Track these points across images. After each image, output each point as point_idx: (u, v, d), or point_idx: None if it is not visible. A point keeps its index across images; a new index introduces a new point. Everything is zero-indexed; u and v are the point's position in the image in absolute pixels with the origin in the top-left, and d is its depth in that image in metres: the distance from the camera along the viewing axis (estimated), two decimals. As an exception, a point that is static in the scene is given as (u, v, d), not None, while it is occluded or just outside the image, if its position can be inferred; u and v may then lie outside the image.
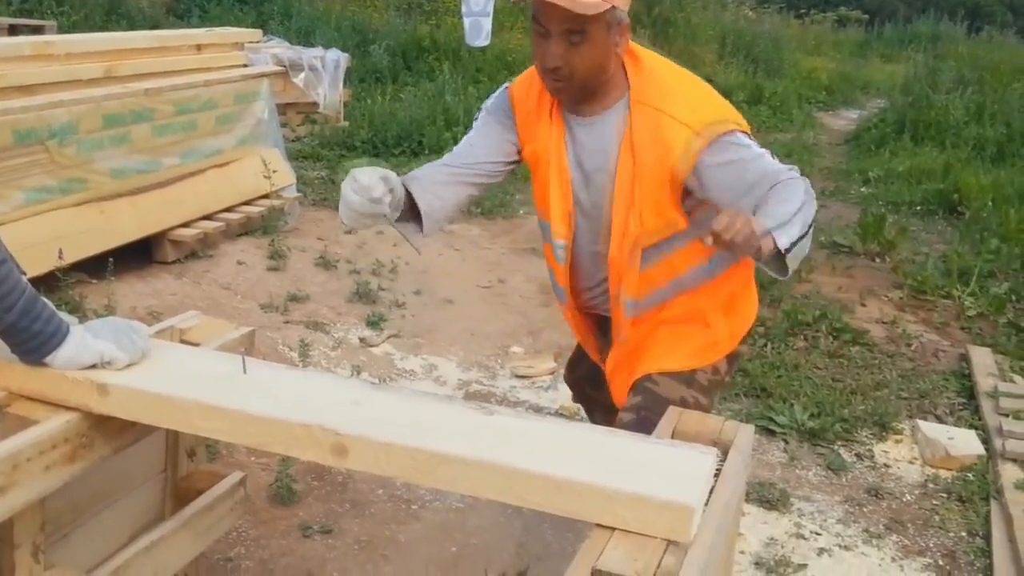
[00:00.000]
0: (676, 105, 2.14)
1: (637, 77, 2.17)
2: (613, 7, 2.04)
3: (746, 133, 2.18)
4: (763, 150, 2.17)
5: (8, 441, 1.61)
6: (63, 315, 1.73)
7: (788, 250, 1.92)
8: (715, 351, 2.39)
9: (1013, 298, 5.45)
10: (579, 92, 2.16)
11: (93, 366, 1.71)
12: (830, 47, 18.58)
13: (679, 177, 2.14)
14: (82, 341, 1.70)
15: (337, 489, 3.29)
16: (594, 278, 2.40)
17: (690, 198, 2.20)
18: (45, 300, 1.68)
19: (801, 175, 2.12)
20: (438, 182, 2.26)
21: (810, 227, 1.99)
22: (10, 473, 1.57)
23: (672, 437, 1.75)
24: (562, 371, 3.13)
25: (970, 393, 4.38)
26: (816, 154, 9.84)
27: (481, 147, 2.33)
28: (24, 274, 1.69)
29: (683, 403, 2.27)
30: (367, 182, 1.99)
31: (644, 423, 2.21)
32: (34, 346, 1.66)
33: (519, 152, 2.35)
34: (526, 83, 2.32)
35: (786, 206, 1.98)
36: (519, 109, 2.32)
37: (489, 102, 2.39)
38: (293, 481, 3.21)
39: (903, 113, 10.28)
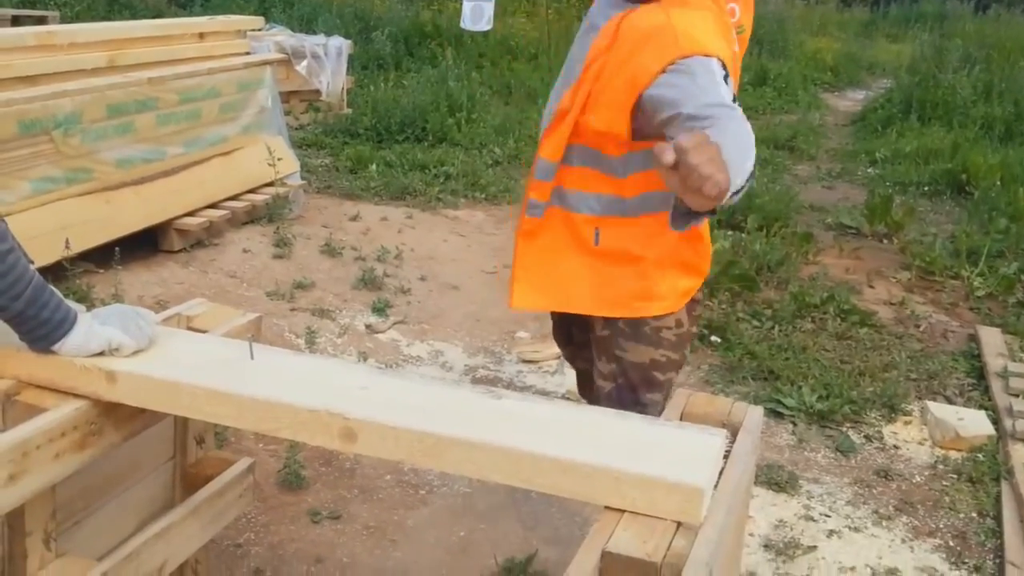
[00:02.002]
0: (682, 15, 2.07)
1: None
2: None
3: (724, 68, 2.01)
4: (729, 88, 1.98)
5: (18, 429, 1.61)
6: (71, 303, 1.73)
7: (730, 198, 1.68)
8: (656, 304, 2.29)
9: (1022, 278, 5.43)
10: None
11: (101, 353, 1.72)
12: (835, 27, 18.45)
13: (640, 81, 2.02)
14: (90, 328, 1.70)
15: (345, 475, 3.30)
16: (547, 113, 2.37)
17: (640, 115, 2.06)
18: (53, 288, 1.68)
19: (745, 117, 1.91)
20: None
21: (749, 181, 1.77)
22: (20, 461, 1.57)
23: (681, 419, 1.75)
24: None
25: (979, 374, 4.37)
26: (822, 135, 9.80)
27: None
28: (32, 263, 1.69)
29: (655, 365, 2.30)
30: None
31: (622, 390, 2.26)
32: (43, 334, 1.66)
33: None
34: None
35: (737, 149, 1.69)
36: None
37: None
38: (301, 467, 3.22)
39: (910, 93, 10.21)
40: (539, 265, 2.35)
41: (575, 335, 2.60)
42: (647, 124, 2.06)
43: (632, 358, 2.31)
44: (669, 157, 1.51)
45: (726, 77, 2.00)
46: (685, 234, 2.16)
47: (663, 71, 1.99)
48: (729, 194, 1.63)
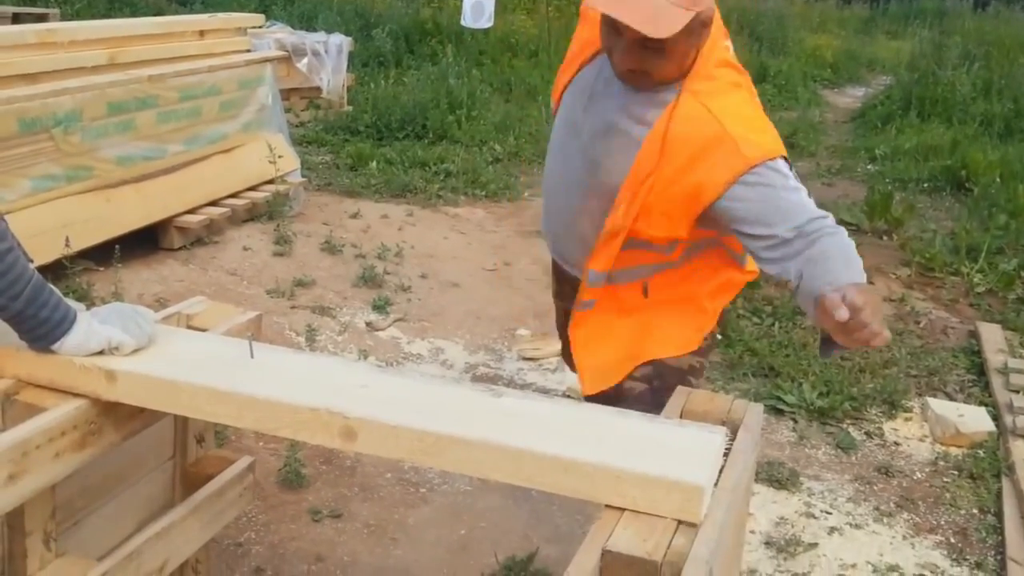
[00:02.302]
0: (728, 112, 1.96)
1: (699, 67, 2.00)
2: (697, 14, 1.86)
3: (788, 161, 2.02)
4: (800, 184, 2.00)
5: (17, 429, 1.61)
6: (70, 302, 1.73)
7: None
8: (708, 326, 2.34)
9: (1022, 274, 5.43)
10: (652, 86, 2.00)
11: (101, 352, 1.71)
12: (835, 24, 18.43)
13: (706, 195, 1.96)
14: (89, 327, 1.70)
15: (346, 473, 3.30)
16: (565, 207, 2.26)
17: (705, 217, 2.02)
18: (52, 287, 1.68)
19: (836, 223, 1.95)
20: None
21: None
22: (20, 461, 1.57)
23: (681, 416, 1.74)
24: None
25: (980, 370, 4.37)
26: (822, 132, 9.79)
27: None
28: (31, 262, 1.69)
29: (692, 370, 2.29)
30: None
31: (658, 393, 2.14)
32: (42, 333, 1.66)
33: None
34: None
35: (858, 272, 1.82)
36: (580, 28, 2.23)
37: None
38: (302, 466, 3.22)
39: (909, 90, 10.20)
40: (597, 344, 2.31)
41: None
42: (715, 224, 2.04)
43: (674, 363, 2.29)
44: (844, 315, 1.62)
45: (791, 166, 2.01)
46: (729, 258, 2.25)
47: (734, 183, 1.93)
48: None
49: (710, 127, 1.95)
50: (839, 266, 1.82)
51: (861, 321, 1.63)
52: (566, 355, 2.75)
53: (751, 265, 2.30)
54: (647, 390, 2.28)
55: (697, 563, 1.31)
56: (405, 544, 2.96)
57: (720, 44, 2.09)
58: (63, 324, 1.67)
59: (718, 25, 2.05)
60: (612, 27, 1.91)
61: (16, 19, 8.20)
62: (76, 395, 1.71)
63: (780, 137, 2.06)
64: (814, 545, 3.08)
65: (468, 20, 9.90)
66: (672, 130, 1.98)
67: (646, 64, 1.94)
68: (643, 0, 1.83)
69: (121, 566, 1.79)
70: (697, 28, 1.91)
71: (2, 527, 1.69)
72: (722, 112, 1.96)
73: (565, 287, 2.42)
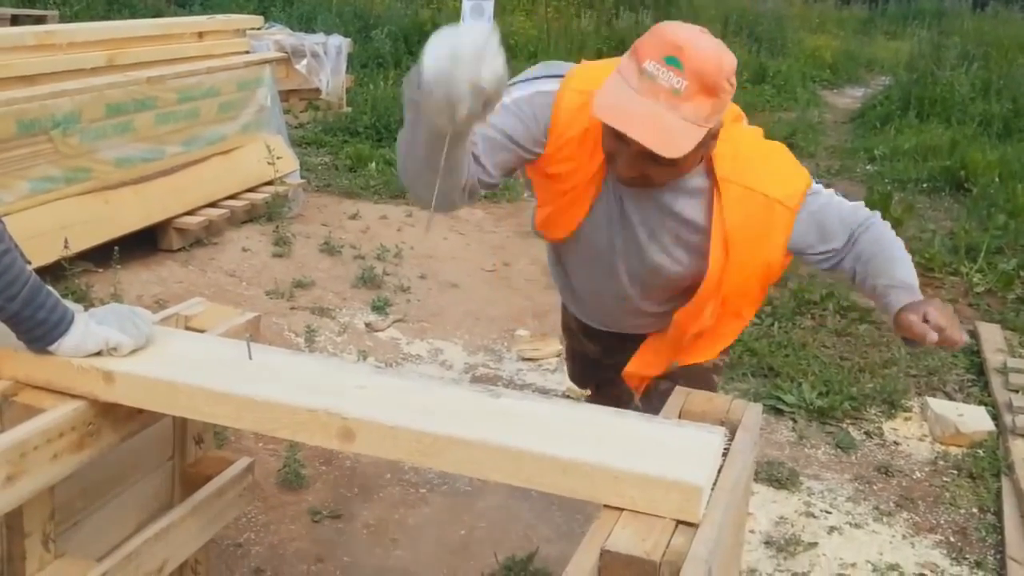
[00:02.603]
0: (762, 176, 1.98)
1: (721, 148, 1.95)
2: (708, 130, 1.81)
3: (818, 181, 2.10)
4: (830, 191, 2.10)
5: (15, 430, 1.60)
6: (68, 303, 1.73)
7: None
8: (741, 329, 2.38)
9: (1021, 274, 5.43)
10: (652, 189, 1.97)
11: (99, 353, 1.71)
12: (834, 25, 18.45)
13: (775, 261, 2.05)
14: (87, 328, 1.70)
15: (345, 474, 3.30)
16: (617, 307, 2.27)
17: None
18: (50, 289, 1.67)
19: (874, 212, 2.10)
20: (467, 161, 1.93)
21: None
22: (18, 462, 1.56)
23: (679, 417, 1.74)
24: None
25: (979, 369, 4.37)
26: (821, 133, 9.79)
27: (491, 144, 1.97)
28: (29, 263, 1.69)
29: (715, 368, 2.34)
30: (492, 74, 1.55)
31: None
32: (39, 334, 1.66)
33: (541, 152, 2.02)
34: (576, 104, 1.96)
35: (907, 268, 2.01)
36: (558, 122, 1.99)
37: (524, 89, 2.00)
38: (301, 466, 3.22)
39: (908, 90, 10.21)
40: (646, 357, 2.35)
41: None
42: None
43: (704, 363, 2.32)
44: (934, 338, 1.82)
45: (817, 181, 2.09)
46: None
47: (791, 235, 2.02)
48: None
49: (756, 203, 1.98)
50: (888, 264, 2.00)
51: (947, 337, 1.84)
52: (577, 378, 2.79)
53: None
54: (673, 386, 2.30)
55: (696, 563, 1.31)
56: (405, 544, 2.96)
57: None
58: (60, 325, 1.67)
59: None
60: (618, 136, 1.82)
61: (15, 21, 8.19)
62: (74, 396, 1.71)
63: (782, 138, 2.10)
64: (814, 544, 3.08)
65: (468, 21, 9.90)
66: (729, 223, 1.98)
67: (650, 172, 1.89)
68: (654, 115, 1.75)
69: (120, 567, 1.79)
70: (707, 140, 1.85)
71: (1, 528, 1.69)
72: (758, 181, 1.98)
73: (599, 334, 2.45)
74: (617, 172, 1.93)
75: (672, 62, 1.75)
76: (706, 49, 1.78)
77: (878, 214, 2.09)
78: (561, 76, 2.02)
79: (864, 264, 2.02)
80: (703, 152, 1.90)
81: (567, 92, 1.98)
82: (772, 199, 1.98)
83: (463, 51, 1.53)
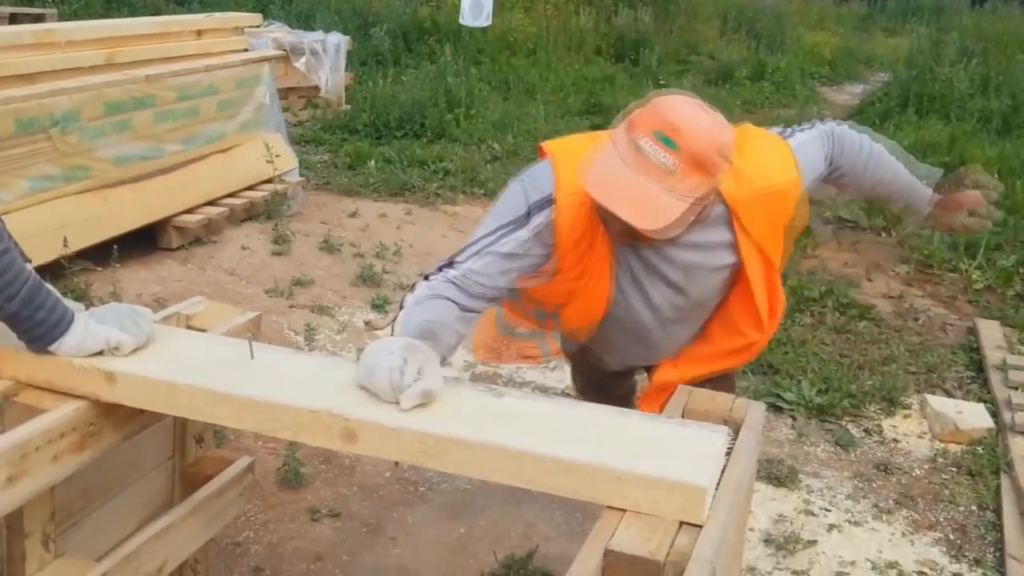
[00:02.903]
0: (769, 174, 2.04)
1: (731, 184, 1.97)
2: (695, 200, 1.80)
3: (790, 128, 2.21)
4: (791, 130, 2.20)
5: (17, 430, 1.60)
6: (68, 302, 1.72)
7: None
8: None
9: (1020, 270, 5.43)
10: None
11: (100, 352, 1.71)
12: (833, 21, 18.45)
13: (793, 216, 2.13)
14: (87, 328, 1.69)
15: (345, 472, 3.29)
16: (652, 348, 2.28)
17: None
18: (50, 288, 1.67)
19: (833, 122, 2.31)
20: (454, 330, 1.92)
21: None
22: (19, 462, 1.56)
23: (682, 416, 1.74)
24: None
25: (978, 366, 4.36)
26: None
27: (500, 278, 2.02)
28: (29, 262, 1.68)
29: (734, 370, 2.40)
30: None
31: None
32: (38, 334, 1.66)
33: (543, 263, 2.05)
34: (576, 205, 1.95)
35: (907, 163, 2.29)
36: (564, 240, 1.99)
37: (518, 238, 2.00)
38: (301, 465, 3.21)
39: (907, 87, 10.19)
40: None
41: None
42: None
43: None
44: (987, 224, 2.20)
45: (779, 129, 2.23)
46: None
47: (801, 192, 2.12)
48: None
49: (771, 199, 2.04)
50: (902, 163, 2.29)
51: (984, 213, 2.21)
52: (580, 391, 2.80)
53: None
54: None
55: (701, 563, 1.31)
56: (404, 543, 2.96)
57: None
58: (60, 325, 1.66)
59: None
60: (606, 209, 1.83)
61: (13, 19, 8.19)
62: (75, 396, 1.71)
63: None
64: (813, 542, 3.07)
65: (467, 18, 9.90)
66: (754, 233, 2.03)
67: (640, 238, 1.91)
68: (643, 192, 1.75)
69: (120, 567, 1.79)
70: (696, 207, 1.84)
71: (1, 528, 1.69)
72: (763, 179, 2.03)
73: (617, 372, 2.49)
74: (612, 236, 1.97)
75: (667, 142, 1.74)
76: (702, 129, 1.77)
77: (831, 124, 2.27)
78: (549, 197, 1.99)
79: (859, 178, 2.25)
80: (698, 210, 1.87)
81: (563, 208, 1.97)
82: (782, 187, 2.04)
83: (379, 391, 1.61)
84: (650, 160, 1.75)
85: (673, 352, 2.32)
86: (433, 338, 1.78)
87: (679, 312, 2.17)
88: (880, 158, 2.25)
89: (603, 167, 1.80)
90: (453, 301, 1.93)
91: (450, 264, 1.99)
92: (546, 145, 2.09)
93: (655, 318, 2.17)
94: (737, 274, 2.12)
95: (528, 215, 2.01)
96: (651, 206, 1.75)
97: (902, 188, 2.30)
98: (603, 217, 1.93)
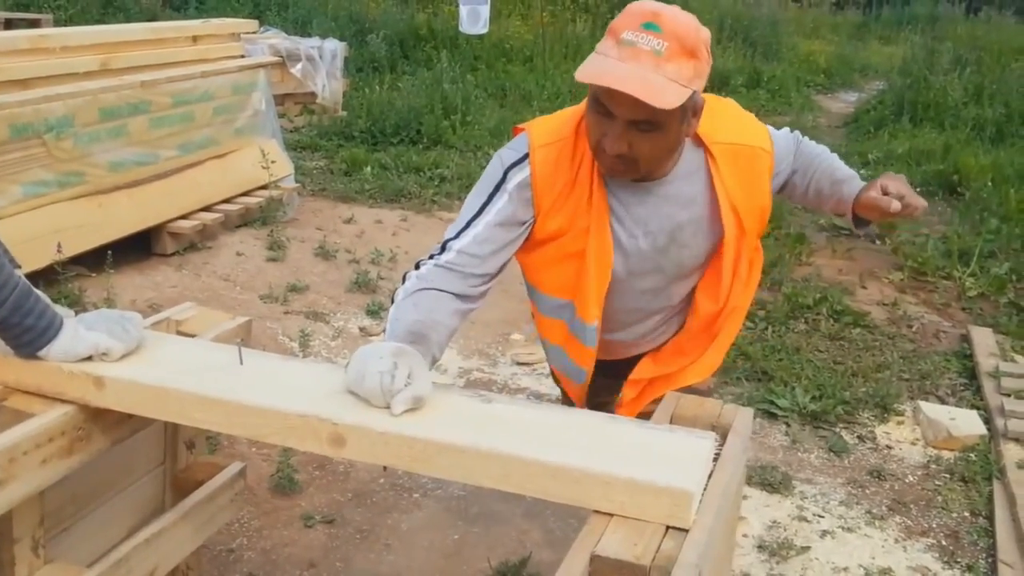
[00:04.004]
0: (744, 132, 2.05)
1: (705, 121, 1.95)
2: (693, 92, 1.79)
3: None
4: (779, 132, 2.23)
5: (5, 435, 1.60)
6: (59, 308, 1.72)
7: None
8: (730, 343, 2.36)
9: (1014, 278, 5.44)
10: (639, 175, 1.93)
11: (89, 358, 1.71)
12: (828, 30, 18.51)
13: (767, 205, 2.10)
14: (75, 333, 1.69)
15: (339, 478, 3.29)
16: (635, 324, 2.24)
17: None
18: (39, 294, 1.67)
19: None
20: (445, 325, 1.89)
21: None
22: (7, 467, 1.56)
23: (670, 421, 1.74)
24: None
25: (971, 373, 4.37)
26: (815, 137, 9.50)
27: (492, 258, 1.97)
28: (19, 267, 1.68)
29: (708, 391, 2.32)
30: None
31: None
32: (26, 340, 1.66)
33: (531, 230, 2.01)
34: (553, 155, 1.96)
35: (843, 165, 2.23)
36: (544, 193, 1.97)
37: (500, 203, 1.99)
38: (294, 471, 3.21)
39: (902, 95, 10.23)
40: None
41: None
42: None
43: (700, 387, 2.28)
44: (897, 206, 1.94)
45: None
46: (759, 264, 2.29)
47: (773, 175, 2.14)
48: None
49: (744, 156, 2.02)
50: (828, 167, 2.22)
51: (909, 203, 1.96)
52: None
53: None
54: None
55: (686, 567, 1.31)
56: (398, 549, 2.96)
57: None
58: (48, 332, 1.66)
59: None
60: (604, 111, 1.80)
61: (8, 24, 8.19)
62: (64, 401, 1.70)
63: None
64: (806, 548, 3.08)
65: (465, 26, 9.92)
66: (729, 188, 2.00)
67: (636, 149, 1.83)
68: (639, 75, 1.74)
69: (110, 572, 1.79)
70: (688, 115, 1.84)
71: (-10, 534, 1.69)
72: (738, 135, 2.03)
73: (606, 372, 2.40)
74: (604, 154, 1.87)
75: (650, 27, 1.76)
76: (681, 15, 1.82)
77: (798, 131, 2.30)
78: (524, 154, 1.99)
79: (805, 175, 2.22)
80: (685, 131, 1.88)
81: (538, 158, 1.96)
82: (755, 147, 2.05)
83: (369, 396, 1.61)
84: (639, 47, 1.75)
85: (649, 338, 2.26)
86: (423, 340, 1.78)
87: (658, 278, 2.11)
88: (832, 161, 2.27)
89: (595, 65, 1.79)
90: (446, 291, 1.90)
91: (441, 249, 1.96)
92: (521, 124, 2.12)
93: (657, 271, 2.10)
94: (716, 245, 2.07)
95: (505, 178, 2.02)
96: (653, 87, 1.73)
97: (828, 194, 2.23)
98: (596, 138, 1.86)
